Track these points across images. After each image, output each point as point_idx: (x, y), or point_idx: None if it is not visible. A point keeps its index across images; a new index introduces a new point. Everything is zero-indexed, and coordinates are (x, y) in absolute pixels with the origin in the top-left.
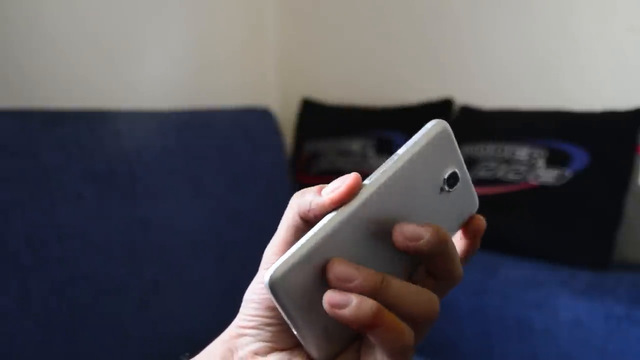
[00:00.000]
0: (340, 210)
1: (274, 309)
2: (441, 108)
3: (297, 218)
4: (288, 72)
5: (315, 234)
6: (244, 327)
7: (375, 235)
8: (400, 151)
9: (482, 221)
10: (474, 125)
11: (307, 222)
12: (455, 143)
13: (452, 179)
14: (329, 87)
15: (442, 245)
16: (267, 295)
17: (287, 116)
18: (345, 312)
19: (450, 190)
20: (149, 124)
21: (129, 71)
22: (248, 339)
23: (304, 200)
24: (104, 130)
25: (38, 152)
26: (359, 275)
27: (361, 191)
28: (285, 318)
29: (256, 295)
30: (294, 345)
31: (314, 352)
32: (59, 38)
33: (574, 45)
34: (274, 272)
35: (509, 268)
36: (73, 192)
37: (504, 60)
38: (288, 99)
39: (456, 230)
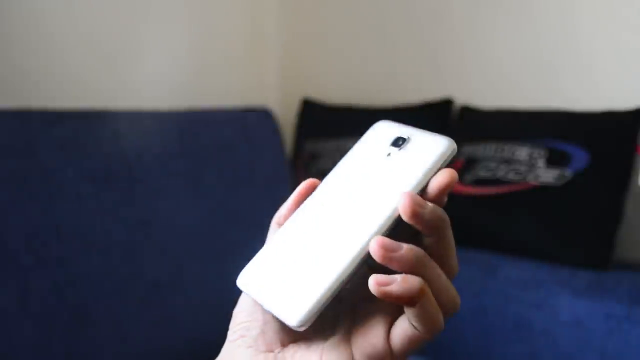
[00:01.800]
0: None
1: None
2: (441, 108)
3: (275, 227)
4: (288, 72)
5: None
6: (232, 341)
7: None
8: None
9: (446, 175)
10: (474, 125)
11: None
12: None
13: (400, 141)
14: (329, 87)
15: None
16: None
17: (287, 116)
18: (393, 287)
19: (401, 148)
20: (148, 124)
21: (129, 71)
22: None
23: (278, 211)
24: (104, 130)
25: (38, 152)
26: (403, 246)
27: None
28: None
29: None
30: (277, 346)
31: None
32: (58, 38)
33: (574, 45)
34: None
35: (509, 268)
36: (73, 192)
37: (503, 60)
38: (288, 99)
39: (432, 174)
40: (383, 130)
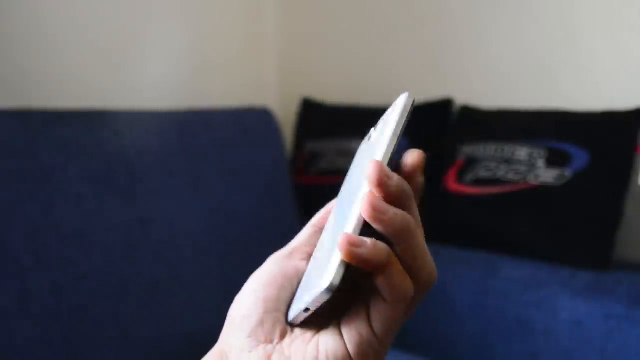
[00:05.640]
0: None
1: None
2: (441, 108)
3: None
4: (288, 72)
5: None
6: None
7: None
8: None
9: (415, 155)
10: (474, 125)
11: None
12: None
13: (374, 126)
14: (329, 87)
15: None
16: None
17: (287, 116)
18: (363, 250)
19: (375, 130)
20: (149, 124)
21: (129, 71)
22: (234, 340)
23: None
24: (104, 130)
25: (38, 152)
26: (391, 210)
27: None
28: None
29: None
30: (276, 337)
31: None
32: (59, 38)
33: (574, 45)
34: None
35: (509, 268)
36: (73, 192)
37: (504, 60)
38: (288, 99)
39: (398, 131)
40: (370, 131)
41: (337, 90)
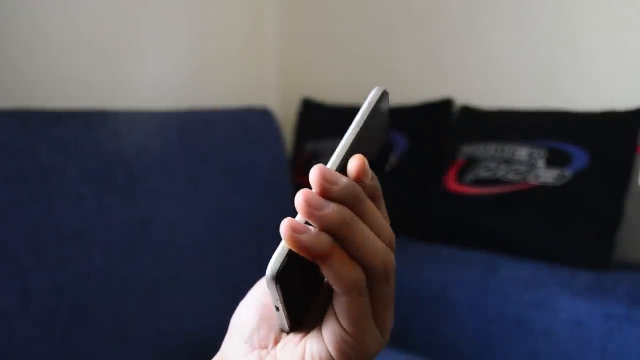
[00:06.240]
0: None
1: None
2: (441, 108)
3: None
4: (288, 72)
5: None
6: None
7: None
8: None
9: (354, 162)
10: (474, 125)
11: None
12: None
13: None
14: (329, 87)
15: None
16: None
17: (287, 116)
18: (304, 237)
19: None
20: (148, 124)
21: (129, 71)
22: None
23: None
24: (104, 130)
25: (37, 152)
26: (327, 205)
27: None
28: (281, 306)
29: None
30: (270, 342)
31: (289, 326)
32: (58, 38)
33: (574, 45)
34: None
35: (509, 268)
36: (72, 192)
37: (503, 60)
38: (288, 99)
39: (362, 121)
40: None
41: (337, 90)
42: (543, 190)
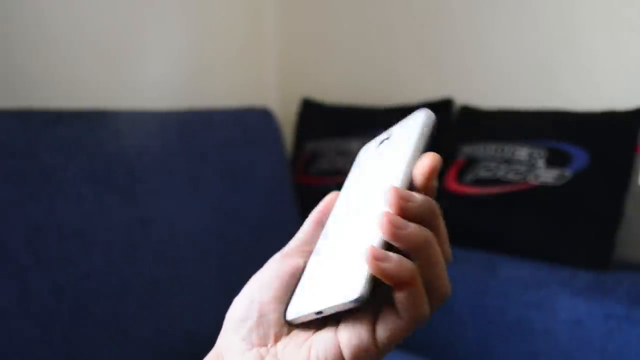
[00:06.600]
0: None
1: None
2: (441, 108)
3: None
4: (288, 72)
5: None
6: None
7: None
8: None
9: (427, 159)
10: (474, 125)
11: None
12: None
13: (385, 136)
14: (329, 87)
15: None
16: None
17: (287, 116)
18: (387, 265)
19: (386, 141)
20: (149, 124)
21: (129, 71)
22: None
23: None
24: (104, 130)
25: (38, 152)
26: (410, 225)
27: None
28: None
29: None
30: (270, 340)
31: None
32: (59, 38)
33: (574, 45)
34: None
35: (509, 268)
36: (73, 191)
37: (503, 60)
38: (288, 99)
39: (418, 151)
40: (380, 136)
41: (337, 90)
42: (543, 190)
